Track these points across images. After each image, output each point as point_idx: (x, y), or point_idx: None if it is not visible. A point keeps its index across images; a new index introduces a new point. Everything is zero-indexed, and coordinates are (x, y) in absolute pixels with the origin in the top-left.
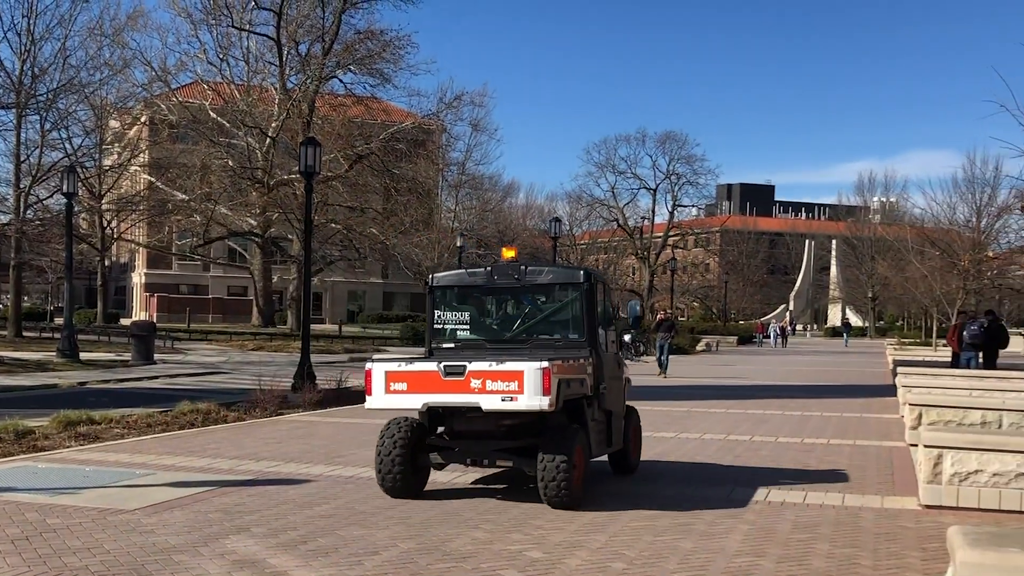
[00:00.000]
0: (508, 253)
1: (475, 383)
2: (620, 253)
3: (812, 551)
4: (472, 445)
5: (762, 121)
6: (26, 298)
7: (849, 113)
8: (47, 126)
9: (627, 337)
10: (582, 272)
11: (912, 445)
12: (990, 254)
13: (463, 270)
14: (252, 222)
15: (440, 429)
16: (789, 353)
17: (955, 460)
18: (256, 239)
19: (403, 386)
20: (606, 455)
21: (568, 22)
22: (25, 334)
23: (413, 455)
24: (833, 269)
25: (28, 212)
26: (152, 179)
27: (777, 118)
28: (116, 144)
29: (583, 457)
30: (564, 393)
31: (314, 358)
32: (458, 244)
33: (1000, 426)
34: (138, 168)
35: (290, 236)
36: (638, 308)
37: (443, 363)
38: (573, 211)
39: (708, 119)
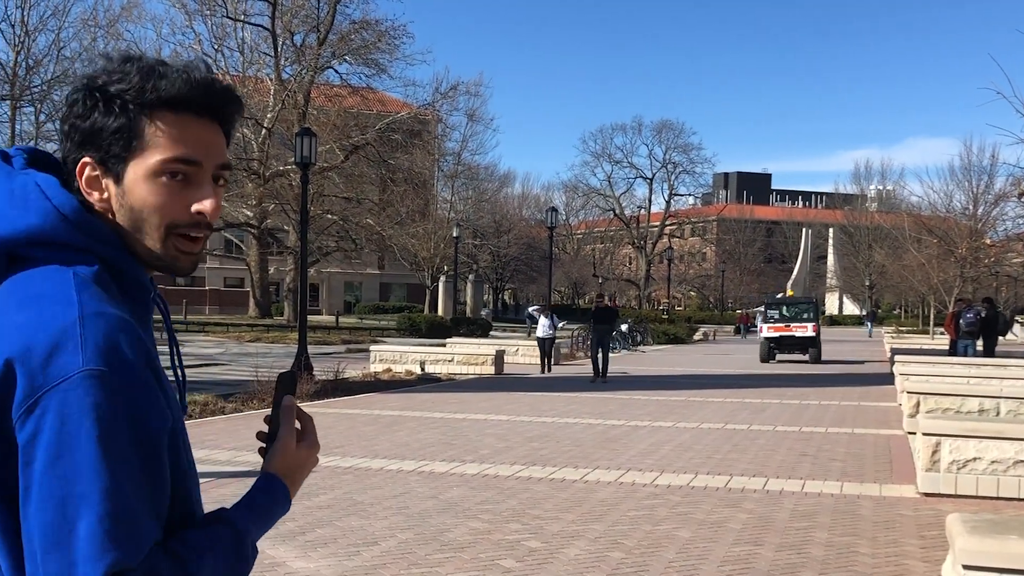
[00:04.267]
0: (791, 292)
1: (795, 328)
2: (616, 243)
3: (811, 539)
4: (790, 347)
5: (758, 110)
6: None
7: (846, 102)
8: (42, 118)
9: (623, 327)
10: (815, 298)
11: (910, 433)
12: (987, 242)
13: (779, 296)
14: (248, 213)
15: (771, 344)
16: None
17: (953, 448)
18: (252, 230)
19: (772, 329)
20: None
21: (563, 12)
22: None
23: (769, 349)
24: (830, 258)
25: None
26: None
27: (774, 107)
28: None
29: (819, 349)
30: (818, 330)
31: (311, 349)
32: (454, 235)
33: (998, 413)
34: None
35: (286, 227)
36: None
37: (786, 322)
38: (569, 201)
39: (704, 108)
